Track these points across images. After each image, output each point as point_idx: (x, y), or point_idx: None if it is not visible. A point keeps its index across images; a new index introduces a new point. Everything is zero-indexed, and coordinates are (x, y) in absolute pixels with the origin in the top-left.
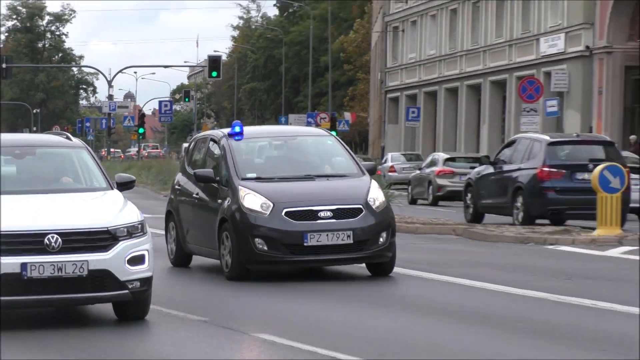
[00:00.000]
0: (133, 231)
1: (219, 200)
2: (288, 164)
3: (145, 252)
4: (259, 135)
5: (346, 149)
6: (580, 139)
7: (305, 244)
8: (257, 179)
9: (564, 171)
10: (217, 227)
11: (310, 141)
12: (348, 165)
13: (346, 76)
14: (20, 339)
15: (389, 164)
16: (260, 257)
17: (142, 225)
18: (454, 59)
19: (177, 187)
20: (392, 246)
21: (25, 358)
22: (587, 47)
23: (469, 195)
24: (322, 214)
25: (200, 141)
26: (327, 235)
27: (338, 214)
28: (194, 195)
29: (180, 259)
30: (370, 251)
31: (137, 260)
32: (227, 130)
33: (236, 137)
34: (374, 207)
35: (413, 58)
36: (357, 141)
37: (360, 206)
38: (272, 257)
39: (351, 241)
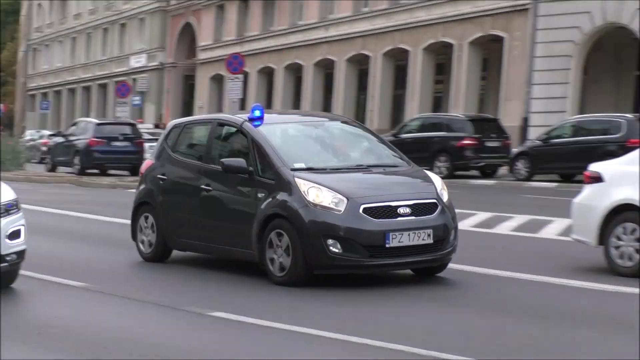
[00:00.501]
0: (10, 209)
1: (259, 194)
2: (332, 153)
3: (22, 227)
4: (284, 121)
5: (378, 137)
6: (115, 121)
7: (387, 245)
8: (310, 169)
9: (104, 140)
10: (260, 225)
11: (339, 127)
12: (391, 154)
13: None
14: None
15: (37, 139)
16: (333, 261)
17: (17, 203)
18: (74, 69)
19: (160, 176)
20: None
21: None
22: (161, 62)
23: (50, 155)
24: (401, 211)
25: (196, 126)
26: (409, 234)
27: (416, 210)
28: (202, 186)
29: (159, 255)
30: (445, 251)
31: (14, 235)
32: (243, 115)
33: (255, 123)
34: (445, 201)
35: (46, 68)
36: (6, 123)
37: (435, 201)
38: (349, 261)
39: (431, 240)
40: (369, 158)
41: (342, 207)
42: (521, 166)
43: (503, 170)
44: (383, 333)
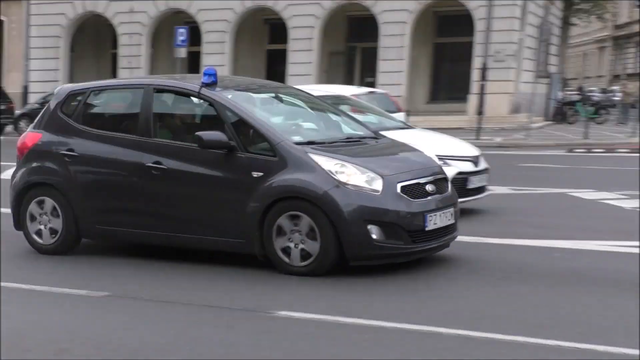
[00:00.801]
0: None
1: (254, 174)
2: (315, 123)
3: None
4: (238, 87)
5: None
6: None
7: (426, 229)
8: (311, 143)
9: None
10: (263, 209)
11: (294, 93)
12: (360, 124)
13: None
14: None
15: None
16: (375, 250)
17: None
18: None
19: (65, 152)
20: None
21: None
22: None
23: None
24: (429, 188)
25: (111, 92)
26: (440, 215)
27: (438, 187)
28: (149, 164)
29: (67, 245)
30: (457, 231)
31: None
32: (191, 78)
33: (211, 89)
34: (448, 175)
35: None
36: None
37: (445, 175)
38: (392, 249)
39: (453, 220)
40: (349, 128)
41: (378, 187)
42: (23, 124)
43: (9, 128)
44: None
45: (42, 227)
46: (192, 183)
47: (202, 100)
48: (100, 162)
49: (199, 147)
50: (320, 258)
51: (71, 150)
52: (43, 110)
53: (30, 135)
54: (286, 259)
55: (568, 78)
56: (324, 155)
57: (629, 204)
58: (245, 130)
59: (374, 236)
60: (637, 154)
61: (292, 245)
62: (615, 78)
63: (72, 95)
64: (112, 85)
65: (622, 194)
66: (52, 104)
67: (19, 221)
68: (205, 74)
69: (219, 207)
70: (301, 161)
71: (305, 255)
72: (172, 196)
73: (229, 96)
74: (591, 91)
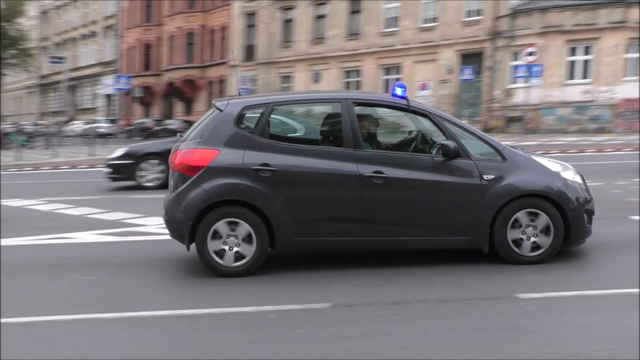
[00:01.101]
0: None
1: (485, 176)
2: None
3: None
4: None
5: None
6: None
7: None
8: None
9: None
10: (497, 208)
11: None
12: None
13: None
14: None
15: None
16: (587, 234)
17: None
18: None
19: (261, 167)
20: None
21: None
22: None
23: None
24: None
25: (299, 107)
26: None
27: None
28: (367, 175)
29: (248, 270)
30: None
31: None
32: (377, 94)
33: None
34: None
35: None
36: None
37: None
38: (590, 231)
39: None
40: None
41: (580, 180)
42: None
43: None
44: None
45: (226, 247)
46: (418, 188)
47: (406, 113)
48: (305, 175)
49: (445, 156)
50: (551, 249)
51: (266, 165)
52: (204, 125)
53: (202, 152)
54: (517, 250)
55: (6, 115)
56: (540, 157)
57: (45, 207)
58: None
59: (586, 223)
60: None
61: (524, 237)
62: (43, 115)
63: (247, 109)
64: (298, 100)
65: (41, 201)
66: (223, 119)
67: (191, 239)
68: (398, 87)
69: (447, 208)
70: (531, 163)
71: (535, 247)
72: (396, 202)
73: (430, 109)
74: (24, 124)
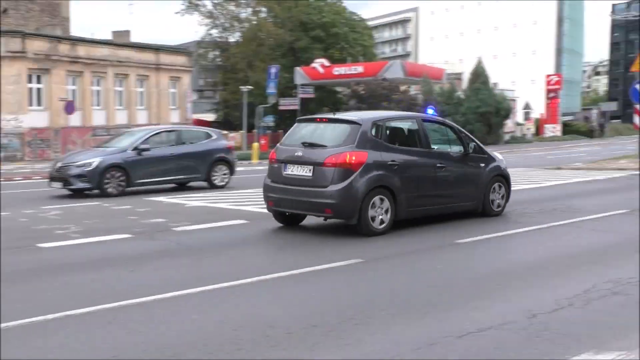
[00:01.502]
0: None
1: (482, 164)
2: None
3: None
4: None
5: None
6: None
7: None
8: None
9: None
10: (487, 183)
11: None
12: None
13: None
14: None
15: None
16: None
17: None
18: None
19: (390, 162)
20: None
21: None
22: None
23: None
24: None
25: (397, 122)
26: None
27: None
28: (439, 165)
29: (384, 231)
30: None
31: None
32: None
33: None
34: None
35: None
36: None
37: None
38: None
39: None
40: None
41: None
42: None
43: None
44: None
45: (376, 215)
46: (458, 174)
47: (444, 126)
48: (410, 166)
49: (467, 153)
50: (505, 204)
51: (393, 160)
52: (352, 133)
53: (359, 154)
54: (494, 207)
55: None
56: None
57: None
58: (469, 143)
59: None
60: None
61: (496, 199)
62: None
63: (374, 124)
64: (396, 117)
65: None
66: (362, 129)
67: (360, 211)
68: (431, 109)
69: (468, 183)
70: (493, 157)
71: (498, 205)
72: (449, 180)
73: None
74: None
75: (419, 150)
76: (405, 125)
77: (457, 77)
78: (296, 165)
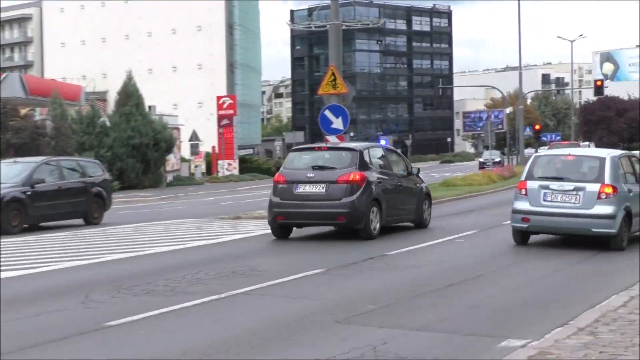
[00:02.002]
0: None
1: (417, 184)
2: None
3: None
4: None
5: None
6: None
7: None
8: None
9: None
10: (421, 201)
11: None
12: None
13: None
14: None
15: None
16: None
17: None
18: None
19: (377, 181)
20: None
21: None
22: None
23: None
24: None
25: (376, 149)
26: None
27: None
28: (398, 184)
29: (376, 234)
30: None
31: None
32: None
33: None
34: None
35: None
36: None
37: None
38: None
39: None
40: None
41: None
42: None
43: None
44: None
45: (373, 222)
46: (407, 190)
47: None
48: (386, 184)
49: (410, 174)
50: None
51: (379, 179)
52: (353, 158)
53: (361, 174)
54: (425, 220)
55: None
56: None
57: None
58: (408, 165)
59: None
60: None
61: (426, 215)
62: None
63: (366, 149)
64: (373, 146)
65: None
66: (359, 155)
67: (364, 219)
68: (383, 140)
69: (412, 200)
70: (419, 177)
71: (426, 218)
72: (403, 197)
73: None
74: None
75: (388, 172)
76: (379, 152)
77: (101, 97)
78: (308, 184)
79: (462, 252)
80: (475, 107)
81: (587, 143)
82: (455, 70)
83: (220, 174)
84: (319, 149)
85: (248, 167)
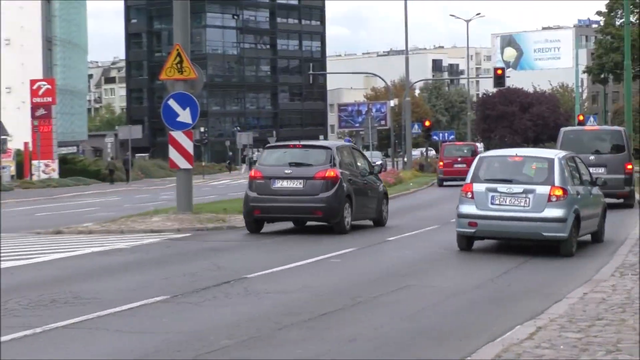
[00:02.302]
0: None
1: (378, 183)
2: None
3: None
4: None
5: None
6: None
7: None
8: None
9: None
10: (382, 197)
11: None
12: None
13: None
14: None
15: None
16: None
17: None
18: None
19: (349, 180)
20: None
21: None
22: None
23: None
24: None
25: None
26: None
27: None
28: (365, 183)
29: (348, 228)
30: None
31: None
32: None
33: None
34: None
35: None
36: None
37: None
38: None
39: None
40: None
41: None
42: None
43: None
44: None
45: (346, 217)
46: (370, 187)
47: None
48: (355, 181)
49: (372, 172)
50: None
51: (349, 177)
52: (327, 155)
53: (336, 170)
54: (384, 220)
55: None
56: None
57: None
58: (370, 166)
59: None
60: None
61: (384, 213)
62: None
63: (337, 148)
64: (343, 145)
65: None
66: (333, 153)
67: (340, 214)
68: (347, 140)
69: (374, 198)
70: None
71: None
72: (368, 195)
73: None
74: None
75: (355, 170)
76: (347, 151)
77: None
78: (286, 180)
79: (353, 271)
80: (354, 98)
81: (479, 145)
82: (328, 53)
83: (35, 178)
84: (294, 146)
85: (71, 169)
